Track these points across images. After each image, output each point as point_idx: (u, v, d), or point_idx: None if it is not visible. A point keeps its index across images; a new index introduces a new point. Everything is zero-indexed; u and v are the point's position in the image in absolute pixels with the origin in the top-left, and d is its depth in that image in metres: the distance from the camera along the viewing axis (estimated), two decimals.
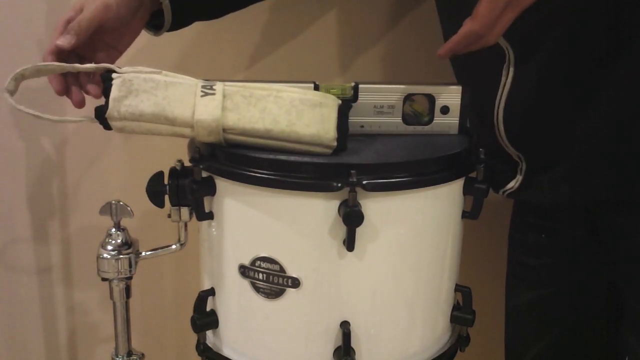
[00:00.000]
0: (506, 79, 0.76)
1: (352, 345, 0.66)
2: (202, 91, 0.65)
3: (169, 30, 0.81)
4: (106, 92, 0.66)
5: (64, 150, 1.09)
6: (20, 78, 0.68)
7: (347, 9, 1.11)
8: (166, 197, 0.72)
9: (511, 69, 0.75)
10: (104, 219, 0.78)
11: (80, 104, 0.74)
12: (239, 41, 1.08)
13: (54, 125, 1.07)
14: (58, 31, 0.72)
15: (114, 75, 0.66)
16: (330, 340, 0.67)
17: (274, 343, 0.69)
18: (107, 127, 0.67)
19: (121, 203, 0.77)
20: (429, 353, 0.73)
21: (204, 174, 0.67)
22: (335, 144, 0.65)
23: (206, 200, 0.68)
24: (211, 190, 0.68)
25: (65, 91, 0.73)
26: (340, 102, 0.67)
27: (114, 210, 0.77)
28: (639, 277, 0.79)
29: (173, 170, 0.70)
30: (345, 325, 0.66)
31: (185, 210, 0.72)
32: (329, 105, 0.66)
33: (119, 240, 0.78)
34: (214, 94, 0.65)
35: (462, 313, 0.75)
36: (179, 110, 0.65)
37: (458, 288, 0.75)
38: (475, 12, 0.63)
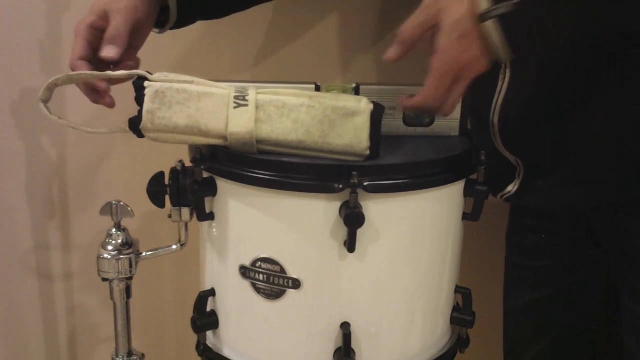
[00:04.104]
0: (502, 83, 0.76)
1: (352, 346, 0.66)
2: (234, 102, 0.65)
3: (171, 28, 0.81)
4: (139, 101, 0.66)
5: (64, 150, 1.09)
6: (53, 87, 0.68)
7: (348, 9, 1.11)
8: (166, 198, 0.72)
9: (507, 74, 0.75)
10: (104, 219, 0.78)
11: (112, 105, 0.73)
12: (239, 41, 1.08)
13: (54, 125, 1.07)
14: (82, 36, 0.71)
15: (145, 83, 0.66)
16: (331, 341, 0.67)
17: (274, 344, 0.69)
18: (141, 136, 0.67)
19: (121, 203, 0.77)
20: (428, 354, 0.73)
21: (205, 175, 0.67)
22: (368, 152, 0.65)
23: (207, 200, 0.68)
24: (212, 190, 0.68)
25: (97, 100, 0.72)
26: (372, 106, 0.66)
27: (114, 210, 0.77)
28: (635, 278, 0.80)
29: (174, 171, 0.70)
30: (345, 326, 0.66)
31: (185, 211, 0.72)
32: (362, 112, 0.65)
33: (119, 240, 0.78)
34: (246, 104, 0.65)
35: (461, 314, 0.75)
36: (213, 123, 0.65)
37: (458, 289, 0.75)
38: (422, 89, 0.63)
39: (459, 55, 0.61)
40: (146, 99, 0.65)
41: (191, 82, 0.66)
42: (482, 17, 0.60)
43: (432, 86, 0.63)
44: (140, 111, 0.65)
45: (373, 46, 1.13)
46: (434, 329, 0.73)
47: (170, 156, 0.71)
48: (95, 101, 0.73)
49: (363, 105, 0.66)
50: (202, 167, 0.66)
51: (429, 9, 0.62)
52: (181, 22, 0.81)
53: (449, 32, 0.61)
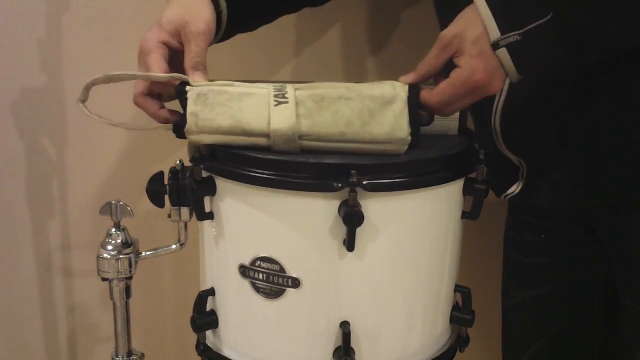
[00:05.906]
0: (503, 85, 0.76)
1: (352, 345, 0.66)
2: (275, 100, 0.65)
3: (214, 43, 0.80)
4: (182, 105, 0.66)
5: (64, 150, 1.09)
6: (90, 86, 0.69)
7: (348, 9, 1.11)
8: (166, 197, 0.72)
9: None
10: (104, 219, 0.78)
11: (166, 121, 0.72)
12: (239, 41, 1.08)
13: (54, 125, 1.07)
14: (159, 53, 0.71)
15: (187, 87, 0.66)
16: (330, 340, 0.67)
17: (274, 343, 0.69)
18: (182, 137, 0.67)
19: (121, 203, 0.77)
20: (428, 353, 0.73)
21: (204, 174, 0.67)
22: (409, 138, 0.65)
23: (206, 200, 0.68)
24: (211, 190, 0.68)
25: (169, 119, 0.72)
26: (407, 92, 0.66)
27: (114, 210, 0.78)
28: (635, 276, 0.80)
29: (173, 170, 0.70)
30: (345, 325, 0.66)
31: (185, 210, 0.72)
32: (399, 98, 0.65)
33: (119, 240, 0.78)
34: (287, 102, 0.65)
35: (461, 313, 0.75)
36: (255, 122, 0.65)
37: (457, 288, 0.75)
38: (435, 91, 0.66)
39: (477, 74, 0.63)
40: (189, 102, 0.66)
41: (231, 85, 0.67)
42: (495, 46, 0.62)
43: (445, 94, 0.65)
44: (184, 114, 0.66)
45: (373, 46, 1.13)
46: (433, 327, 0.73)
47: (170, 156, 0.71)
48: (164, 121, 0.72)
49: (399, 89, 0.66)
50: (201, 166, 0.66)
51: (444, 38, 0.65)
52: (222, 38, 0.80)
53: (469, 50, 0.63)
